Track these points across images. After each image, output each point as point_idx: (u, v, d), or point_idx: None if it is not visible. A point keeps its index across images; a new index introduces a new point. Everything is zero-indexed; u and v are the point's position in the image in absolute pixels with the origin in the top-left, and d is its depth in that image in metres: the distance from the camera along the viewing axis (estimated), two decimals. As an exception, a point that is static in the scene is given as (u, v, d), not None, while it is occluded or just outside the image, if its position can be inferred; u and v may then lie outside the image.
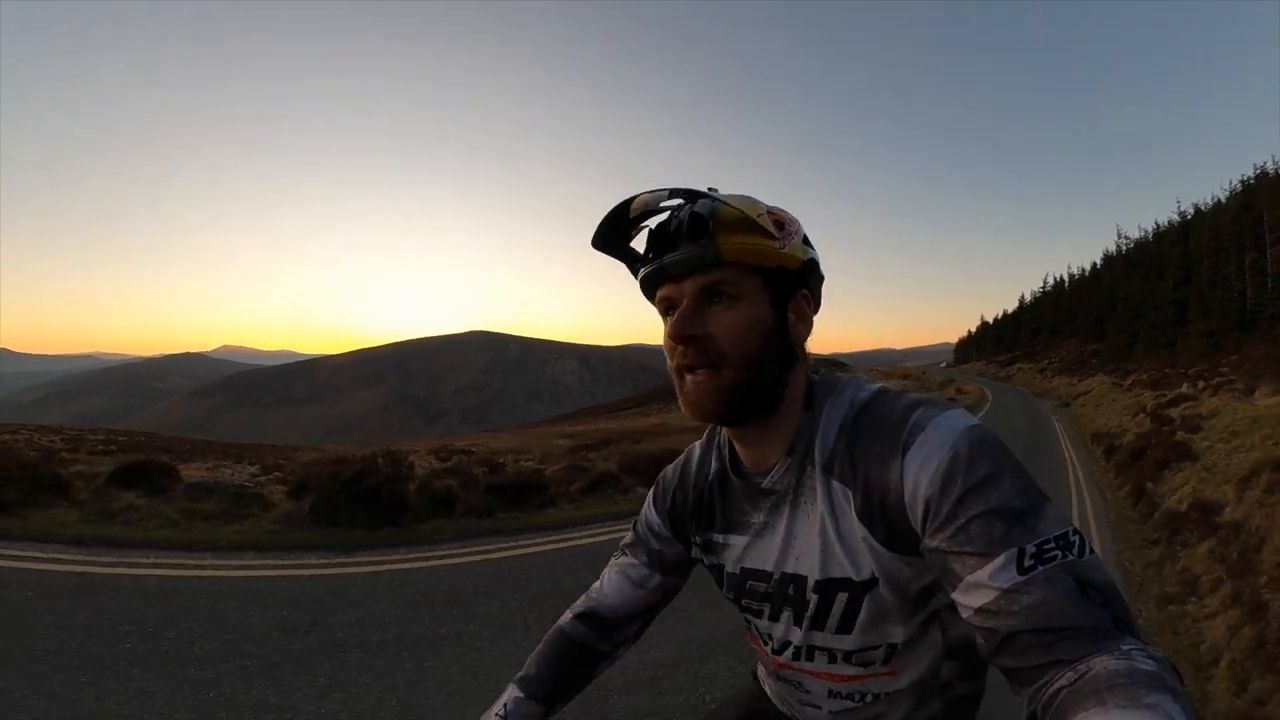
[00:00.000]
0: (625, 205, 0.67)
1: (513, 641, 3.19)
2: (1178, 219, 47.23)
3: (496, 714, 0.82)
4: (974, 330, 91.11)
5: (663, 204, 0.66)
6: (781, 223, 0.67)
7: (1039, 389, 34.36)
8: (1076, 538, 0.54)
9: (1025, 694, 0.51)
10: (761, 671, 0.94)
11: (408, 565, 4.50)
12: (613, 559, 0.92)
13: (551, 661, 0.87)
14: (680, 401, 0.69)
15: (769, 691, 0.91)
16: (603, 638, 0.88)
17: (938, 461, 0.59)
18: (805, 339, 0.71)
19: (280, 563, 4.48)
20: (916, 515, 0.60)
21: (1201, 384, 15.32)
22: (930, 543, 0.59)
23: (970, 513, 0.56)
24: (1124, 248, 56.43)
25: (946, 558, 0.57)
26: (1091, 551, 0.54)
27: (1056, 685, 0.47)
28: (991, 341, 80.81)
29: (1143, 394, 16.81)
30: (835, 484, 0.67)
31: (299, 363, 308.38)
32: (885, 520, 0.63)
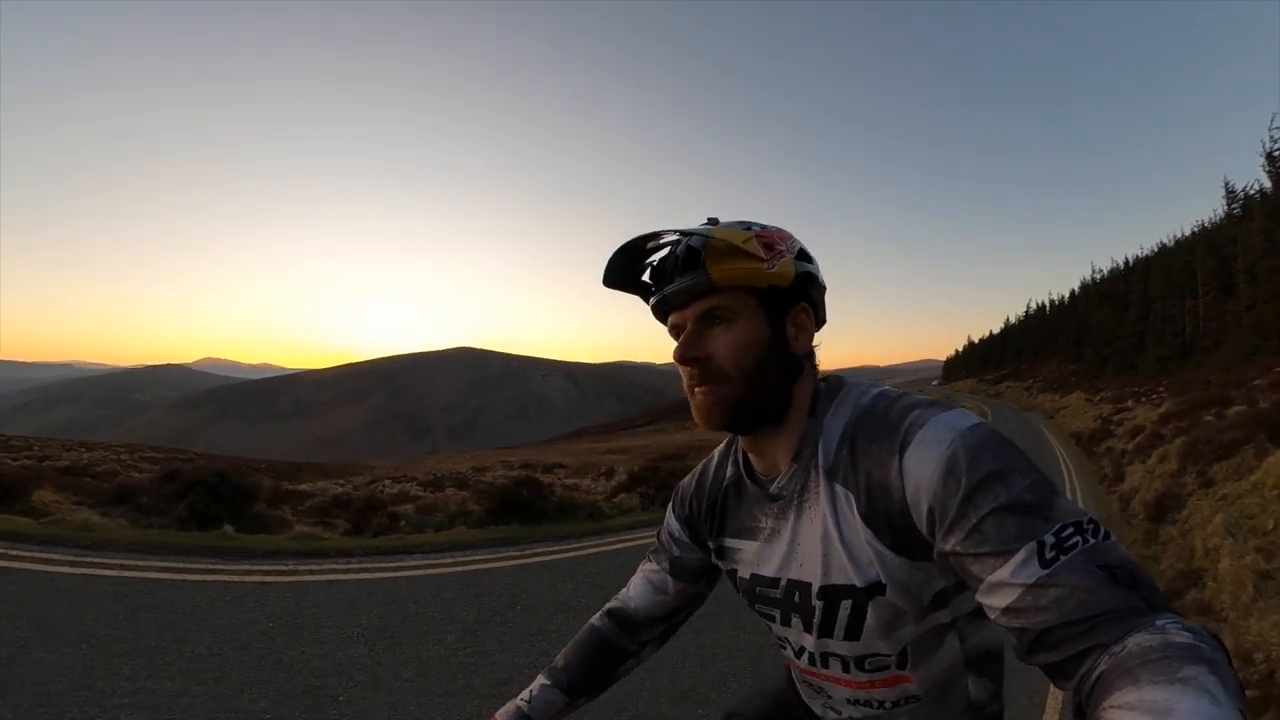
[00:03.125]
0: (628, 246, 0.72)
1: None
2: (1141, 256, 54.26)
3: (521, 699, 0.86)
4: (961, 350, 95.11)
5: (664, 240, 0.72)
6: (770, 244, 0.71)
7: (1026, 404, 37.76)
8: (1092, 524, 0.52)
9: (1068, 687, 0.49)
10: (793, 674, 0.94)
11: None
12: (641, 564, 0.95)
13: (580, 654, 0.90)
14: (694, 414, 0.74)
15: (802, 693, 0.93)
16: (628, 636, 0.91)
17: (936, 461, 0.58)
18: (807, 349, 0.75)
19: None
20: (921, 518, 0.59)
21: (1143, 399, 21.51)
22: (944, 546, 0.57)
23: (981, 511, 0.54)
24: (1097, 278, 62.13)
25: (964, 560, 0.55)
26: (1109, 535, 0.52)
27: (1097, 672, 0.45)
28: (979, 361, 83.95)
29: (1104, 407, 22.78)
30: (838, 487, 0.68)
31: (282, 377, 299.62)
32: (890, 523, 0.63)
